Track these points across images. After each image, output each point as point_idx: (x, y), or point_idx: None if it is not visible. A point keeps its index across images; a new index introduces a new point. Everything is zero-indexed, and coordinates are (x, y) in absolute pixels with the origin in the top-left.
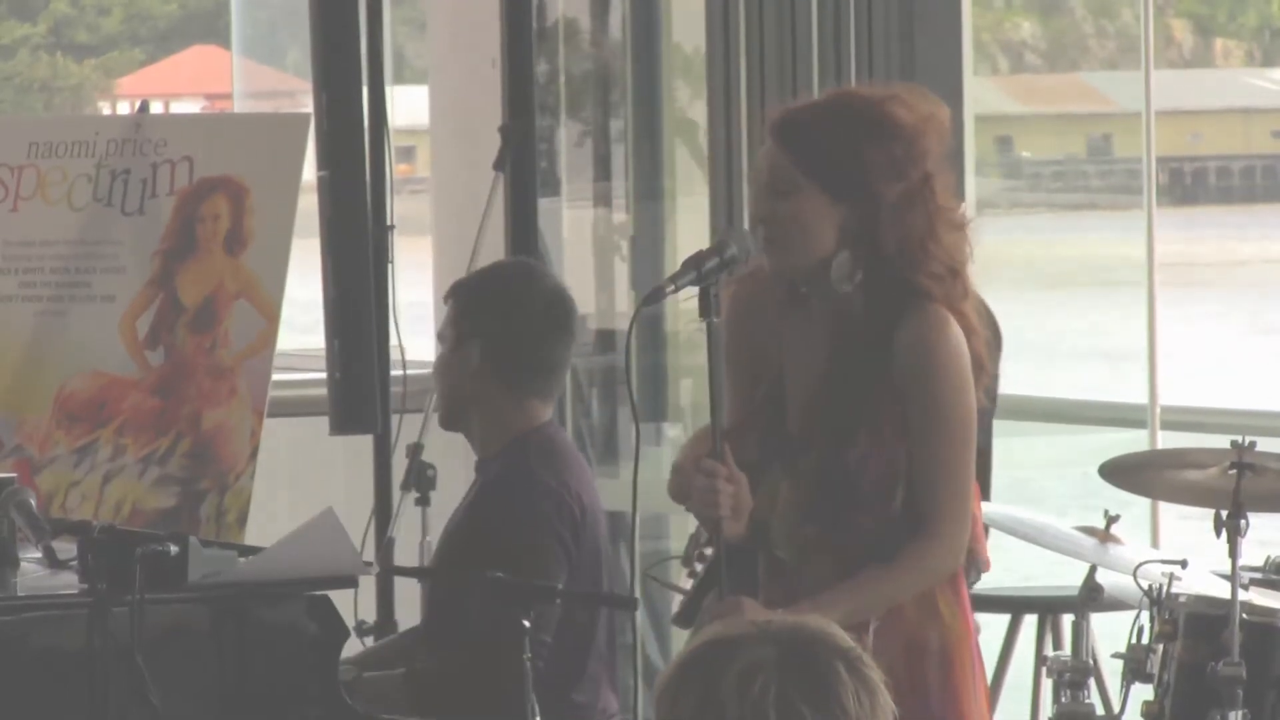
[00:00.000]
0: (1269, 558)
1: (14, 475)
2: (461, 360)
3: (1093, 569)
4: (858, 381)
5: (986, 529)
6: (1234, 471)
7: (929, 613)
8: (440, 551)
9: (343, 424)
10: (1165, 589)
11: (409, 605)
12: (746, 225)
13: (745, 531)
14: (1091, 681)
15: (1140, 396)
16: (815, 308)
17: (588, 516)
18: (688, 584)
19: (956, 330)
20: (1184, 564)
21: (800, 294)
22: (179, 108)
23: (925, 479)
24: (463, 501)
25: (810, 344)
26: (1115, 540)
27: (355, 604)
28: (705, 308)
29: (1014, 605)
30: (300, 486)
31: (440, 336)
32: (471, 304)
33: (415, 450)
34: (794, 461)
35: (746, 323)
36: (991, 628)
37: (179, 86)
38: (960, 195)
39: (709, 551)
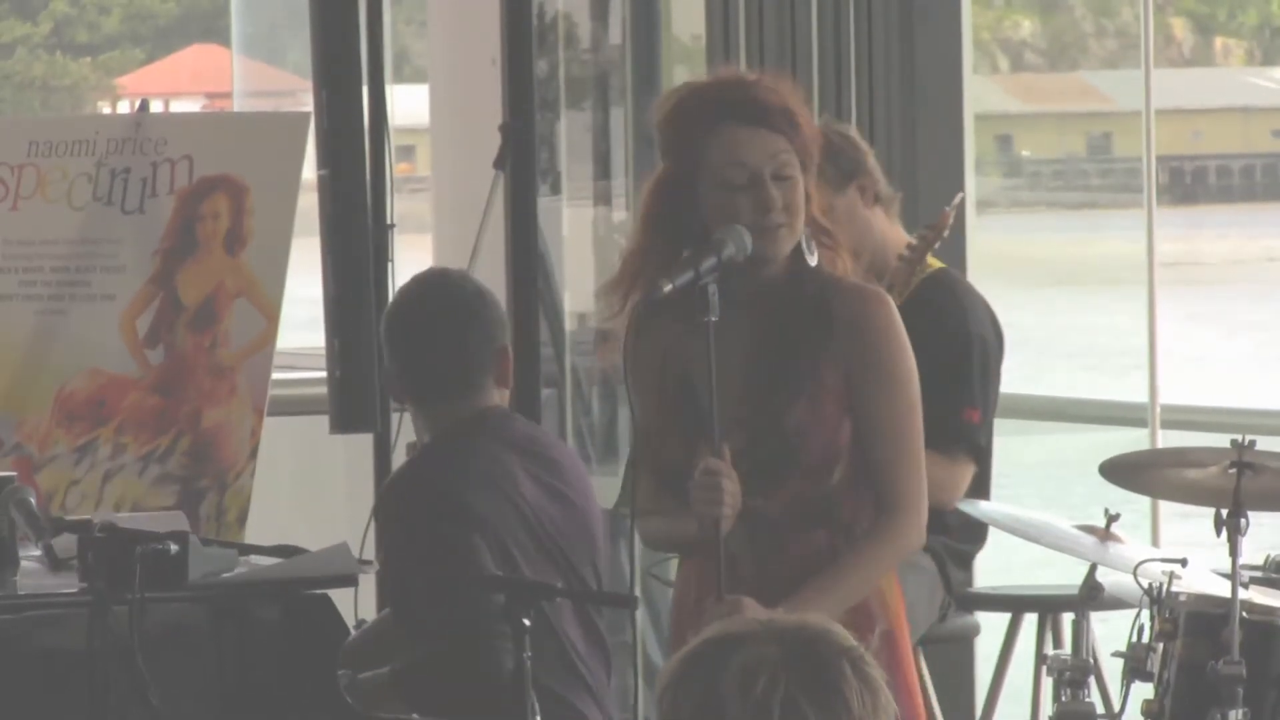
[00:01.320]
0: (1269, 556)
1: (14, 474)
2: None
3: (1093, 568)
4: (793, 354)
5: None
6: (1234, 470)
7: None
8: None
9: (343, 423)
10: (1165, 587)
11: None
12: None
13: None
14: (1091, 680)
15: (1140, 396)
16: (737, 299)
17: (489, 503)
18: None
19: (893, 304)
20: (1184, 562)
21: (695, 298)
22: (179, 107)
23: (886, 454)
24: None
25: (729, 337)
26: (1115, 539)
27: (355, 604)
28: (703, 306)
29: (1014, 604)
30: (300, 485)
31: None
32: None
33: (415, 449)
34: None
35: (644, 343)
36: (991, 627)
37: (179, 85)
38: (961, 191)
39: None
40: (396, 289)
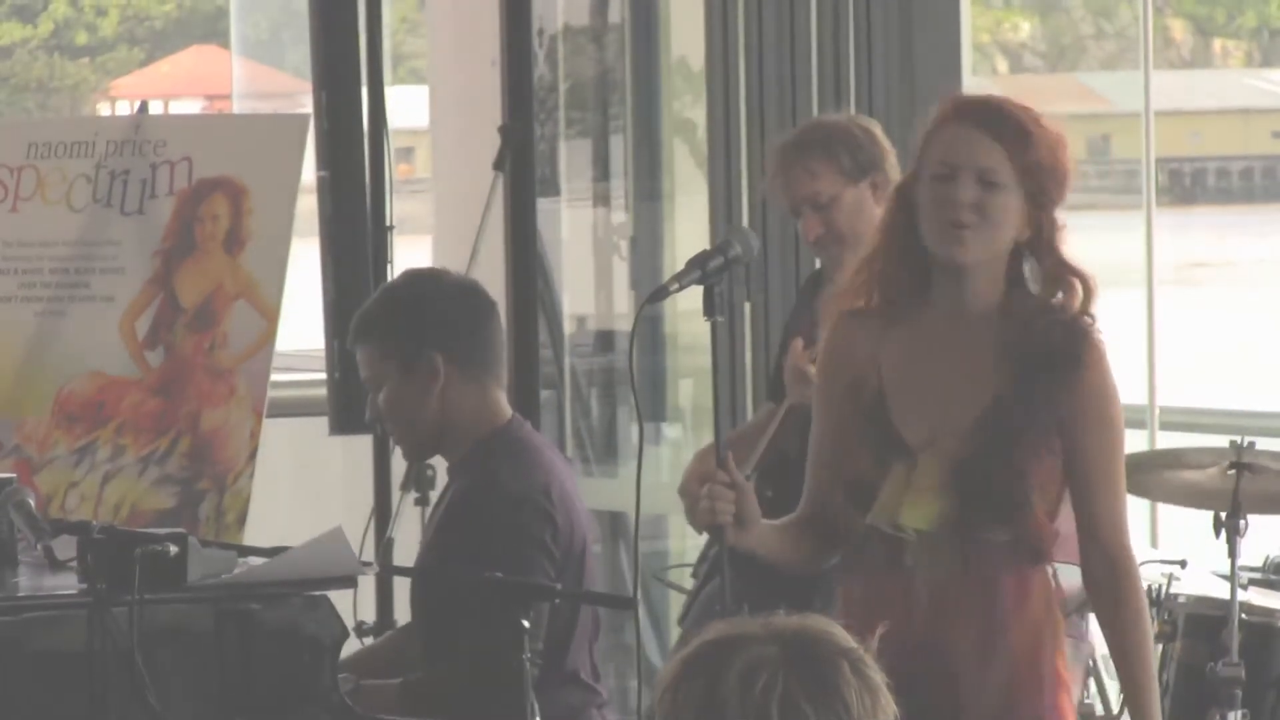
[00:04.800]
0: (1268, 558)
1: (14, 475)
2: (422, 382)
3: None
4: (1024, 398)
5: None
6: (1233, 472)
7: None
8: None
9: (342, 424)
10: (1164, 589)
11: (408, 605)
12: (747, 222)
13: (756, 537)
14: (1091, 681)
15: (1140, 396)
16: (937, 313)
17: (562, 514)
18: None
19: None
20: (1183, 564)
21: (899, 311)
22: (178, 108)
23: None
24: (433, 514)
25: (924, 352)
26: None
27: (355, 604)
28: (709, 307)
29: None
30: (300, 486)
31: (373, 384)
32: (401, 326)
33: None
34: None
35: (841, 360)
36: None
37: (178, 87)
38: None
39: (711, 551)
40: (440, 271)
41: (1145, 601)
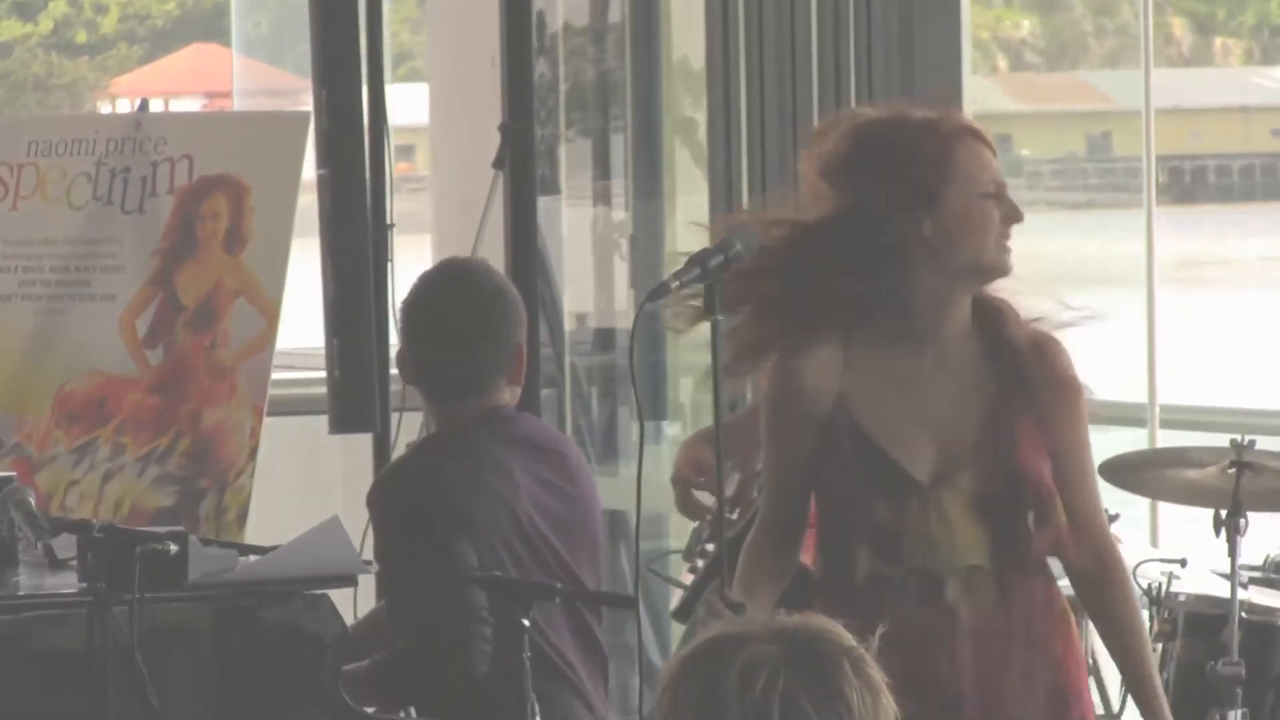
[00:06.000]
0: (1268, 556)
1: (13, 474)
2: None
3: None
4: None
5: None
6: (1233, 470)
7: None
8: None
9: (342, 423)
10: (1165, 588)
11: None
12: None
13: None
14: (1091, 681)
15: (1140, 396)
16: (908, 341)
17: (465, 518)
18: (689, 579)
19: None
20: (1183, 563)
21: (856, 341)
22: (179, 106)
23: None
24: None
25: (904, 382)
26: (1114, 539)
27: (355, 604)
28: (710, 305)
29: None
30: (300, 485)
31: None
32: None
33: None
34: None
35: (792, 394)
36: None
37: (179, 85)
38: None
39: (710, 548)
40: (416, 279)
41: (1134, 588)
